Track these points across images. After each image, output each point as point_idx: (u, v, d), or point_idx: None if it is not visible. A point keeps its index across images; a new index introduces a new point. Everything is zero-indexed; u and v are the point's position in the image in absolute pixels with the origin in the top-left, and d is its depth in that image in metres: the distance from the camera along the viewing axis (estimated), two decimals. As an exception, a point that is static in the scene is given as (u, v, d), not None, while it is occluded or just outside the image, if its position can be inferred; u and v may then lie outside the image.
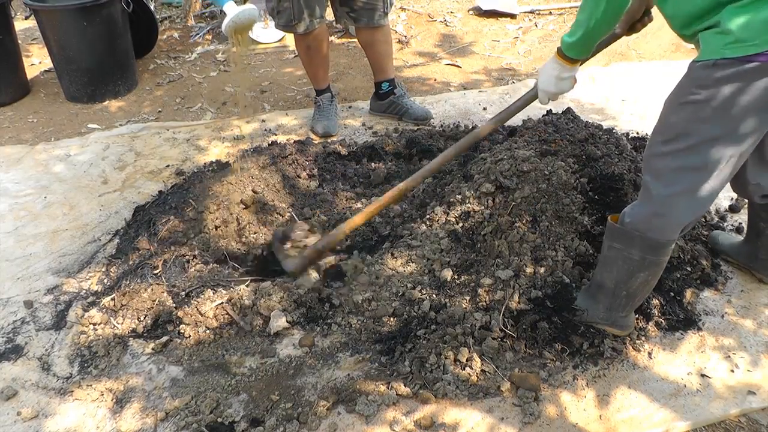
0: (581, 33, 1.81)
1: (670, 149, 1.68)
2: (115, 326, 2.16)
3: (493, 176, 2.33)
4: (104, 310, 2.22)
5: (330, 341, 2.09)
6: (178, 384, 1.96)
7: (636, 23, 2.11)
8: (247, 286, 2.26)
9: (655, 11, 1.91)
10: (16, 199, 2.96)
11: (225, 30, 2.55)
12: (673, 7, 1.62)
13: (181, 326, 2.13)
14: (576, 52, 1.90)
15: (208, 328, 2.12)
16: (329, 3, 3.27)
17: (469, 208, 2.33)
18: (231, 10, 2.52)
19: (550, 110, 3.21)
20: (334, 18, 3.50)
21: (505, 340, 2.00)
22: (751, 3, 1.45)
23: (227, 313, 2.16)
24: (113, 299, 2.24)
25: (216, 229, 2.47)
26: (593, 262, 2.18)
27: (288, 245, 2.33)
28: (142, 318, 2.18)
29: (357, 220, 2.27)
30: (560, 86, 2.01)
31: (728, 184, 2.09)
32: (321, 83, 3.49)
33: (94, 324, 2.17)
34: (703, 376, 1.93)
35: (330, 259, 2.35)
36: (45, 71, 4.57)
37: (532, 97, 2.14)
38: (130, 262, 2.41)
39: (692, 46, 1.70)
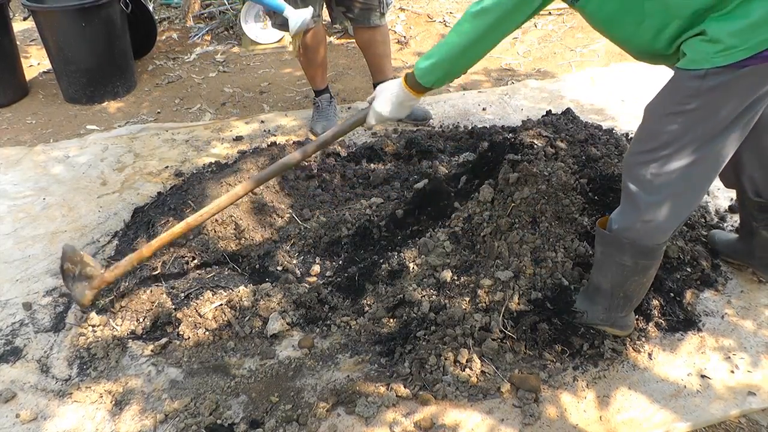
0: (437, 57, 1.76)
1: (654, 157, 1.65)
2: (114, 328, 2.16)
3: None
4: (103, 311, 2.21)
5: (329, 342, 2.08)
6: (178, 386, 1.95)
7: None
8: (246, 287, 2.26)
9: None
10: (14, 201, 2.96)
11: (293, 32, 2.96)
12: (646, 32, 1.59)
13: (180, 328, 2.12)
14: (431, 80, 1.82)
15: (208, 330, 2.12)
16: (326, 3, 3.27)
17: (469, 210, 2.32)
18: (293, 16, 2.89)
19: (550, 110, 3.21)
20: (330, 19, 3.49)
21: (504, 341, 2.00)
22: (733, 9, 1.44)
23: (226, 316, 2.16)
24: (112, 301, 2.23)
25: (215, 231, 2.46)
26: (593, 263, 2.17)
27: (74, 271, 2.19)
28: (141, 320, 2.18)
29: (145, 251, 2.18)
30: (398, 113, 1.94)
31: (720, 180, 2.10)
32: (319, 84, 3.49)
33: (93, 326, 2.16)
34: (703, 377, 1.93)
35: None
36: (43, 72, 4.57)
37: (359, 120, 2.04)
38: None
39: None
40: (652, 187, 1.68)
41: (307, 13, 2.94)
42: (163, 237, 2.18)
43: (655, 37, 1.58)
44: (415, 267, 2.25)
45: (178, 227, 2.16)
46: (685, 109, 1.57)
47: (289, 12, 2.91)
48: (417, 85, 1.86)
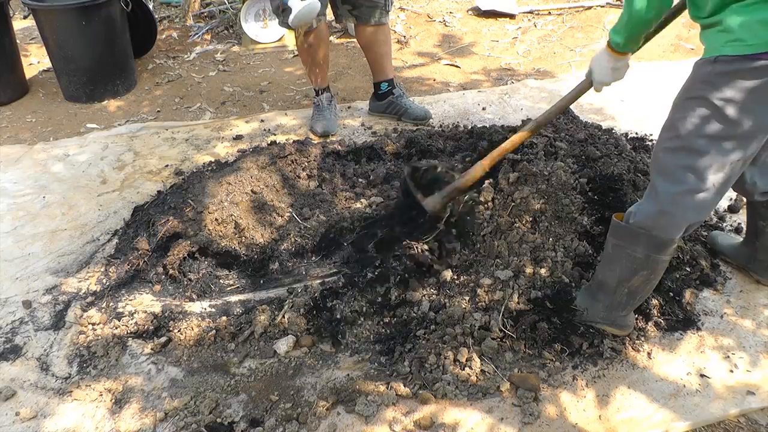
0: (623, 23, 1.78)
1: (676, 146, 1.69)
2: (114, 326, 2.15)
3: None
4: (103, 310, 2.21)
5: (329, 341, 2.08)
6: (177, 384, 1.95)
7: None
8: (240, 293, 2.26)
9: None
10: (14, 199, 2.96)
11: (292, 24, 2.80)
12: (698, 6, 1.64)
13: (180, 326, 2.12)
14: (623, 45, 1.87)
15: (208, 329, 2.12)
16: (330, 1, 3.27)
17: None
18: (296, 5, 2.73)
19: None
20: (334, 17, 3.50)
21: (504, 340, 2.00)
22: (754, 3, 1.46)
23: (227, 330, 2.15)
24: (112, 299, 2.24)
25: (215, 230, 2.46)
26: (593, 262, 2.18)
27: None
28: (141, 319, 2.18)
29: (495, 154, 2.20)
30: (616, 75, 1.99)
31: None
32: (320, 83, 3.49)
33: (93, 324, 2.16)
34: (702, 376, 1.94)
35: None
36: (43, 71, 4.56)
37: (586, 87, 2.11)
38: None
39: (692, 46, 1.69)
40: (673, 177, 1.71)
41: (312, 4, 2.86)
42: (514, 138, 2.18)
43: (702, 11, 1.60)
44: (415, 266, 2.25)
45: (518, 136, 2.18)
46: (698, 94, 1.61)
47: (293, 2, 2.83)
48: (616, 49, 1.89)
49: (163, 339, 2.09)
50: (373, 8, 3.26)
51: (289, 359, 2.02)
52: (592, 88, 2.06)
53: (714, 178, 1.67)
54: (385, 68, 3.49)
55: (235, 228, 2.48)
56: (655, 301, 2.13)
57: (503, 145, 2.20)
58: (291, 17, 2.81)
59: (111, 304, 2.24)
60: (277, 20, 3.26)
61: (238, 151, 3.27)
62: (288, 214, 2.61)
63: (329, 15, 3.45)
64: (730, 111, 1.57)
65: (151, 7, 4.59)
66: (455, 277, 2.19)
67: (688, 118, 1.65)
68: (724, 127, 1.59)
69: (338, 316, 2.13)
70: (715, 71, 1.56)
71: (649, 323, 2.09)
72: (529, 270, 2.14)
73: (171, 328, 2.13)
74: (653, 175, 1.79)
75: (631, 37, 1.82)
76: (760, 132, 1.60)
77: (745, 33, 1.47)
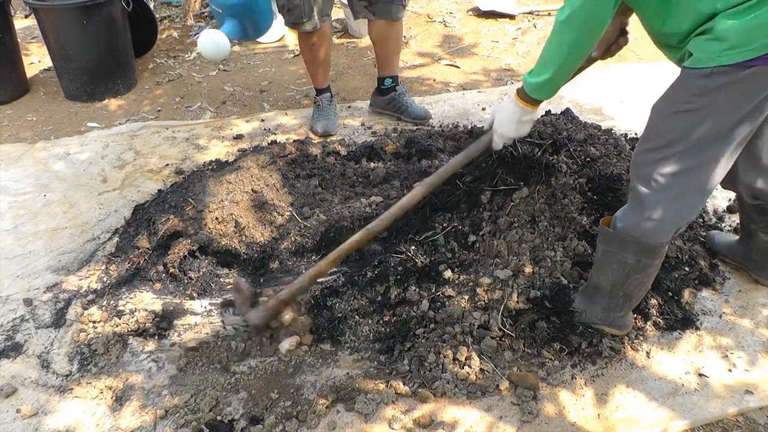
0: (551, 72, 1.71)
1: (661, 156, 1.66)
2: (114, 324, 2.16)
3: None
4: (103, 308, 2.22)
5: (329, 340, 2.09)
6: (178, 382, 1.96)
7: (611, 46, 2.01)
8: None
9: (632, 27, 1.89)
10: (15, 198, 2.96)
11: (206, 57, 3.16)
12: (664, 19, 1.61)
13: (181, 324, 2.13)
14: (544, 93, 1.80)
15: (208, 327, 2.12)
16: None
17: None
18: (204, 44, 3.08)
19: (549, 110, 3.21)
20: (351, 13, 3.48)
21: (503, 339, 2.01)
22: (745, 9, 1.44)
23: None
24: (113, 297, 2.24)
25: (216, 228, 2.47)
26: (592, 262, 2.18)
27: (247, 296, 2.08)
28: (142, 317, 2.18)
29: (323, 266, 2.09)
30: (521, 130, 1.92)
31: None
32: (321, 82, 3.50)
33: (94, 322, 2.17)
34: (700, 375, 1.94)
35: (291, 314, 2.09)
36: (44, 70, 4.57)
37: (486, 145, 2.01)
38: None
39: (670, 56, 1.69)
40: (658, 185, 1.69)
41: (221, 48, 3.09)
42: (342, 248, 2.08)
43: (675, 24, 1.58)
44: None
45: (355, 237, 2.07)
46: (691, 107, 1.58)
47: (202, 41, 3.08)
48: (533, 100, 1.83)
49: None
50: (389, 3, 3.26)
51: (289, 357, 2.02)
52: (492, 144, 1.99)
53: (700, 182, 1.66)
54: (392, 64, 3.50)
55: (235, 227, 2.48)
56: (653, 301, 2.14)
57: (351, 241, 2.07)
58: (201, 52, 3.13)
59: (111, 302, 2.25)
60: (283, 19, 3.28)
61: (238, 151, 3.28)
62: (288, 213, 2.61)
63: (332, 14, 3.46)
64: (723, 119, 1.56)
65: (151, 6, 4.60)
66: (455, 276, 2.20)
67: (678, 130, 1.62)
68: (714, 133, 1.58)
69: (338, 315, 2.14)
70: (712, 84, 1.52)
71: (648, 323, 2.10)
72: (528, 269, 2.14)
73: (171, 326, 2.14)
74: (635, 182, 1.75)
75: (562, 79, 1.75)
76: (747, 133, 1.61)
77: (741, 38, 1.44)
